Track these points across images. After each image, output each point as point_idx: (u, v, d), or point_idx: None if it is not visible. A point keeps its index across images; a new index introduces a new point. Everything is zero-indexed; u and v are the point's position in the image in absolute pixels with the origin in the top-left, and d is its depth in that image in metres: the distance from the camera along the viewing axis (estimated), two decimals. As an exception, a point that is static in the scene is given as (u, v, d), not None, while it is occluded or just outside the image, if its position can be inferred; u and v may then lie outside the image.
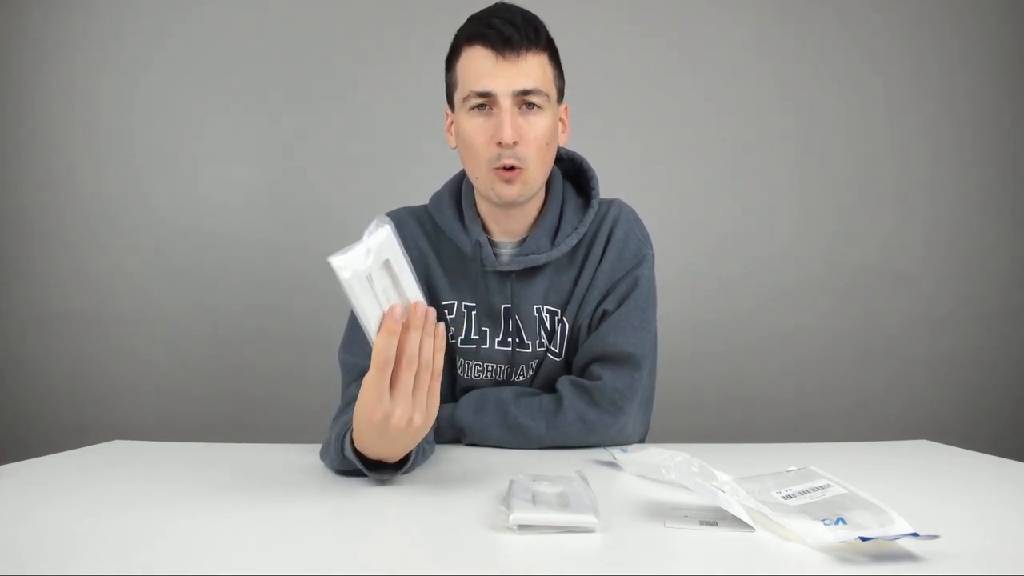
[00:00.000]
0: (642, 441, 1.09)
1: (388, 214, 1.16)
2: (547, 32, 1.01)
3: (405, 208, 1.17)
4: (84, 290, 2.12)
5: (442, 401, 0.82)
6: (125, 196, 2.14)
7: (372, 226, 0.70)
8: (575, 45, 2.13)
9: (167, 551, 0.56)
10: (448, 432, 1.04)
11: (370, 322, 0.68)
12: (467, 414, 1.03)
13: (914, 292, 2.16)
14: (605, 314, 1.06)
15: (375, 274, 0.68)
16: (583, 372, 1.06)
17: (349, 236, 1.23)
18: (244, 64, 2.15)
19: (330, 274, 0.67)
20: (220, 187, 2.16)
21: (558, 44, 1.04)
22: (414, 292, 0.71)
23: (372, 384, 0.69)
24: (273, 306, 2.11)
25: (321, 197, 2.15)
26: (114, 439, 1.11)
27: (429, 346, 0.70)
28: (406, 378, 0.69)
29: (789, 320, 2.15)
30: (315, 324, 2.02)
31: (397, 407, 0.70)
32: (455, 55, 1.02)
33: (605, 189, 1.12)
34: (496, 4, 1.01)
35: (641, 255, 1.08)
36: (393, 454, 0.75)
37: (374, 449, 0.74)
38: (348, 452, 0.76)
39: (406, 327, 0.69)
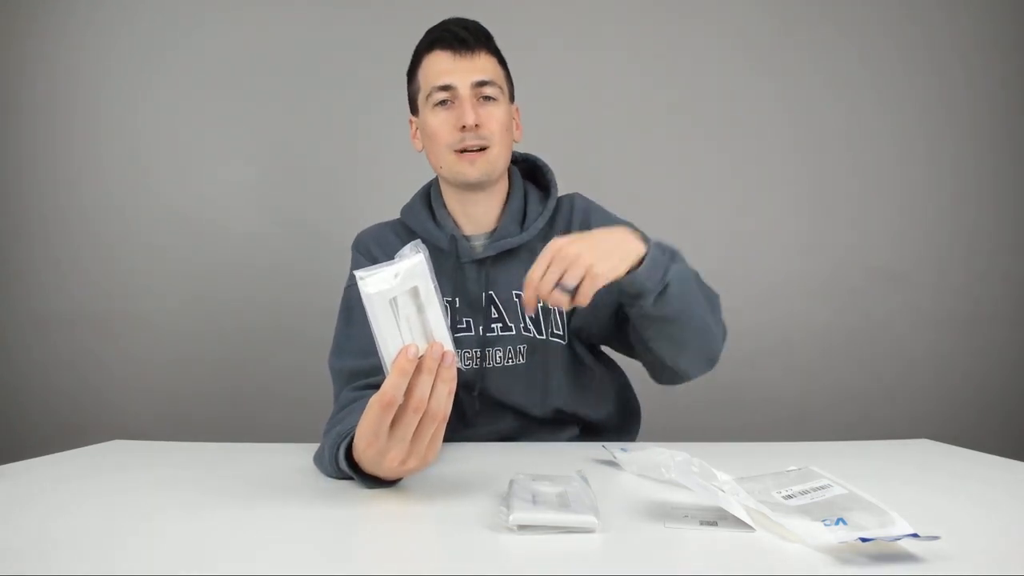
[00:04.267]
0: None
1: (364, 232, 1.21)
2: (494, 41, 1.12)
3: (380, 224, 1.23)
4: (84, 290, 2.12)
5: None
6: (125, 196, 2.14)
7: (405, 250, 0.67)
8: (577, 51, 2.14)
9: (167, 551, 0.56)
10: (661, 257, 0.93)
11: (386, 347, 0.65)
12: (671, 257, 0.96)
13: (914, 292, 2.16)
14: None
15: (401, 299, 0.65)
16: None
17: (350, 235, 1.24)
18: (246, 62, 2.15)
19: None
20: (221, 186, 2.16)
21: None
22: (439, 325, 0.67)
23: (371, 420, 0.67)
24: (274, 306, 2.11)
25: (322, 196, 2.15)
26: (114, 439, 1.11)
27: (442, 392, 0.66)
28: (408, 422, 0.66)
29: (789, 321, 2.15)
30: (316, 324, 2.01)
31: (392, 449, 0.68)
32: (416, 64, 1.13)
33: (602, 194, 1.16)
34: (449, 18, 1.11)
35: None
36: (386, 477, 0.74)
37: (369, 468, 0.73)
38: (343, 464, 0.75)
39: (419, 369, 0.64)
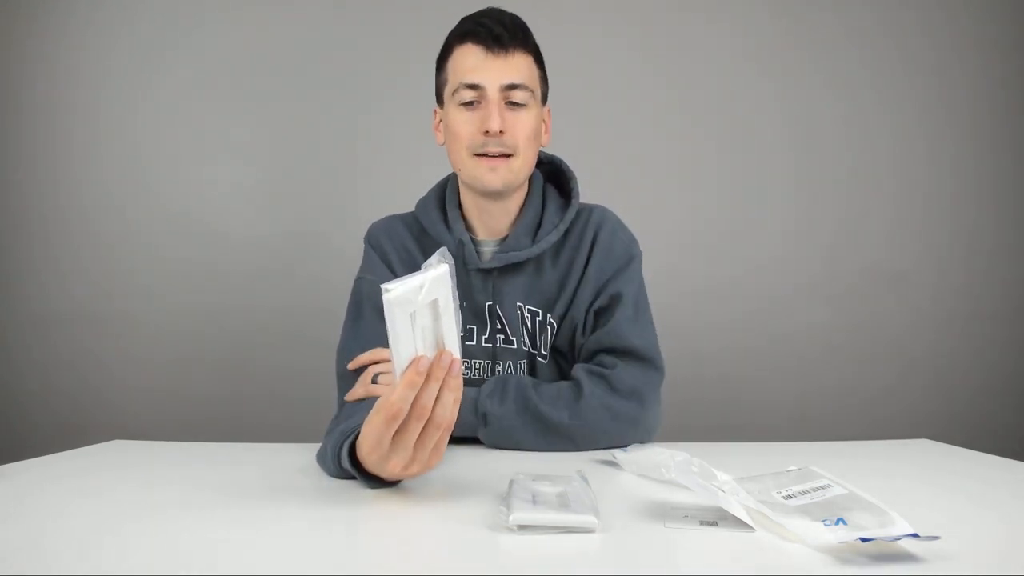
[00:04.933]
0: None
1: (375, 224, 1.19)
2: (533, 37, 1.07)
3: (393, 216, 1.20)
4: (84, 290, 2.12)
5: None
6: (125, 196, 2.14)
7: (433, 259, 0.67)
8: (571, 47, 2.14)
9: (166, 551, 0.56)
10: (468, 418, 0.98)
11: (399, 356, 0.64)
12: (491, 402, 0.99)
13: (914, 292, 2.16)
14: (602, 312, 1.07)
15: (419, 312, 0.65)
16: (592, 362, 1.06)
17: (349, 236, 1.24)
18: (245, 63, 2.15)
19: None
20: (221, 186, 2.16)
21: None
22: (451, 333, 0.67)
23: (375, 428, 0.66)
24: (273, 306, 2.11)
25: (322, 197, 2.15)
26: (114, 439, 1.11)
27: (447, 400, 0.66)
28: (412, 429, 0.65)
29: (789, 321, 2.15)
30: (316, 324, 2.02)
31: (395, 456, 0.67)
32: (447, 54, 1.07)
33: (604, 193, 1.14)
34: (487, 7, 1.06)
35: (630, 254, 1.11)
36: (389, 479, 0.74)
37: (372, 469, 0.72)
38: (346, 463, 0.75)
39: (427, 378, 0.64)
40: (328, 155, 2.16)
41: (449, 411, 0.66)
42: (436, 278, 0.66)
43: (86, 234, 2.13)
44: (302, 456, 0.93)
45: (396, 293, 0.63)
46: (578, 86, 2.13)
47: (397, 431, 0.66)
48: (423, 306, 0.65)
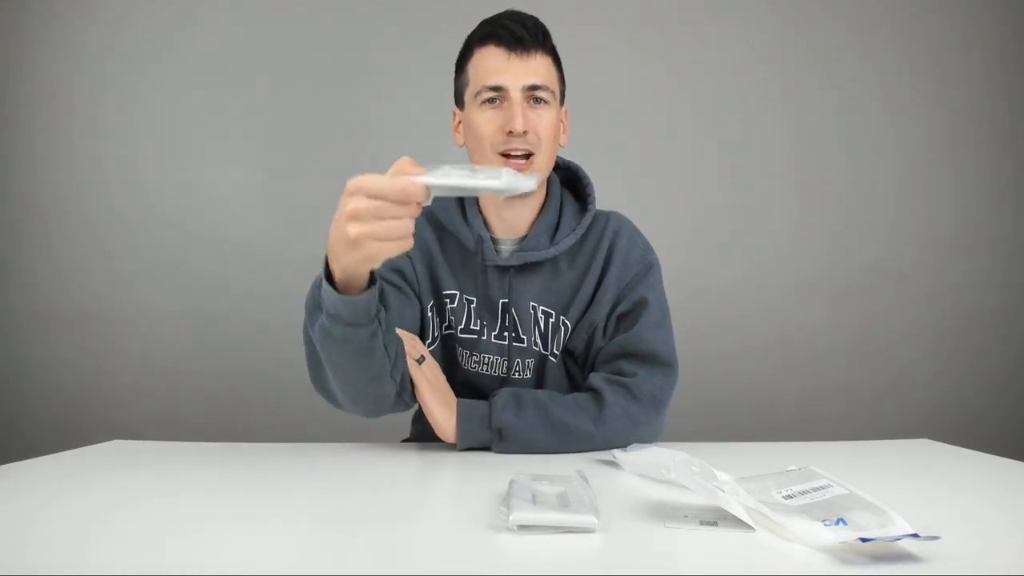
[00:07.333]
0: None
1: None
2: (552, 40, 1.08)
3: None
4: (84, 290, 2.12)
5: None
6: (125, 197, 2.14)
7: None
8: (576, 47, 2.12)
9: (167, 551, 0.56)
10: (482, 434, 0.99)
11: None
12: (506, 414, 0.99)
13: (914, 292, 2.16)
14: (625, 316, 1.08)
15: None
16: (610, 368, 1.07)
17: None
18: (246, 66, 2.15)
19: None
20: (220, 188, 2.16)
21: (559, 46, 1.08)
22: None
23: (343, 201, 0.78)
24: (272, 307, 2.11)
25: (322, 199, 2.14)
26: (114, 439, 1.11)
27: (400, 225, 0.75)
28: (353, 203, 0.77)
29: (789, 321, 2.15)
30: (315, 324, 2.02)
31: (341, 206, 0.79)
32: (467, 56, 1.08)
33: (606, 193, 1.14)
34: (507, 10, 1.07)
35: (648, 260, 1.12)
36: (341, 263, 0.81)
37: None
38: (321, 281, 0.83)
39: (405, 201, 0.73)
40: (329, 156, 2.16)
41: (394, 233, 0.76)
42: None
43: (86, 235, 2.13)
44: (301, 456, 0.93)
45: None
46: (581, 86, 2.13)
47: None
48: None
